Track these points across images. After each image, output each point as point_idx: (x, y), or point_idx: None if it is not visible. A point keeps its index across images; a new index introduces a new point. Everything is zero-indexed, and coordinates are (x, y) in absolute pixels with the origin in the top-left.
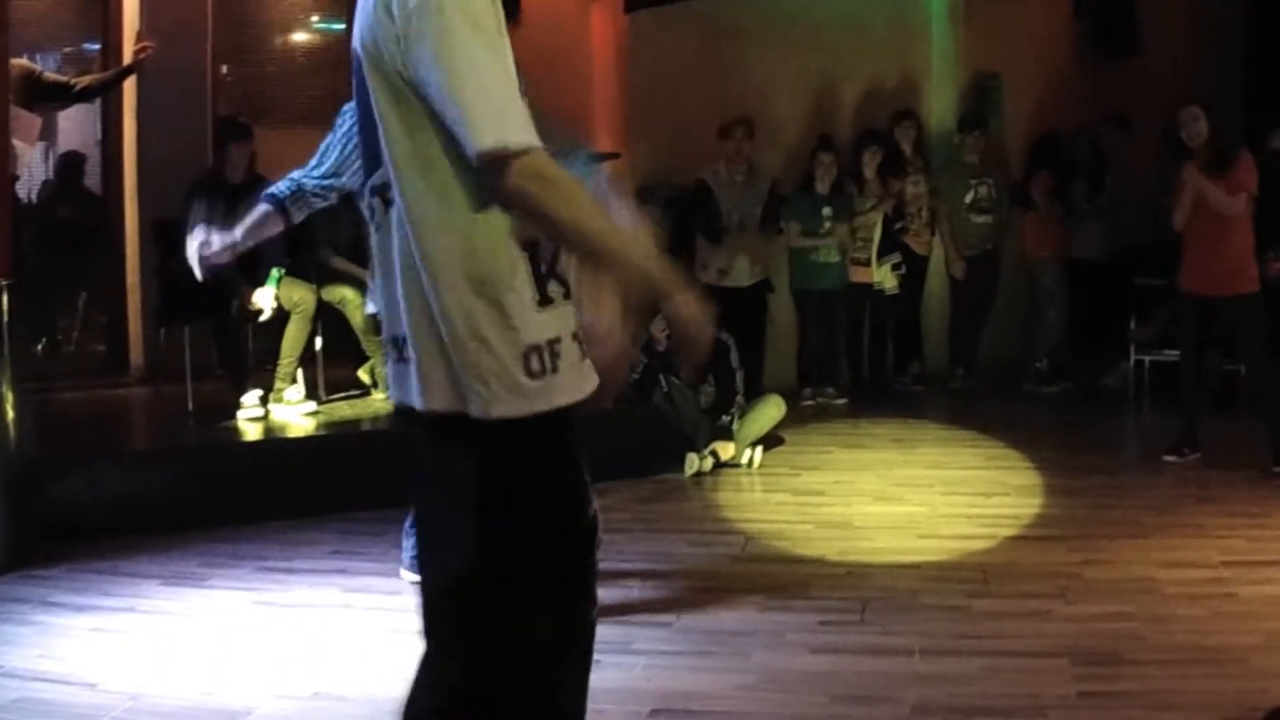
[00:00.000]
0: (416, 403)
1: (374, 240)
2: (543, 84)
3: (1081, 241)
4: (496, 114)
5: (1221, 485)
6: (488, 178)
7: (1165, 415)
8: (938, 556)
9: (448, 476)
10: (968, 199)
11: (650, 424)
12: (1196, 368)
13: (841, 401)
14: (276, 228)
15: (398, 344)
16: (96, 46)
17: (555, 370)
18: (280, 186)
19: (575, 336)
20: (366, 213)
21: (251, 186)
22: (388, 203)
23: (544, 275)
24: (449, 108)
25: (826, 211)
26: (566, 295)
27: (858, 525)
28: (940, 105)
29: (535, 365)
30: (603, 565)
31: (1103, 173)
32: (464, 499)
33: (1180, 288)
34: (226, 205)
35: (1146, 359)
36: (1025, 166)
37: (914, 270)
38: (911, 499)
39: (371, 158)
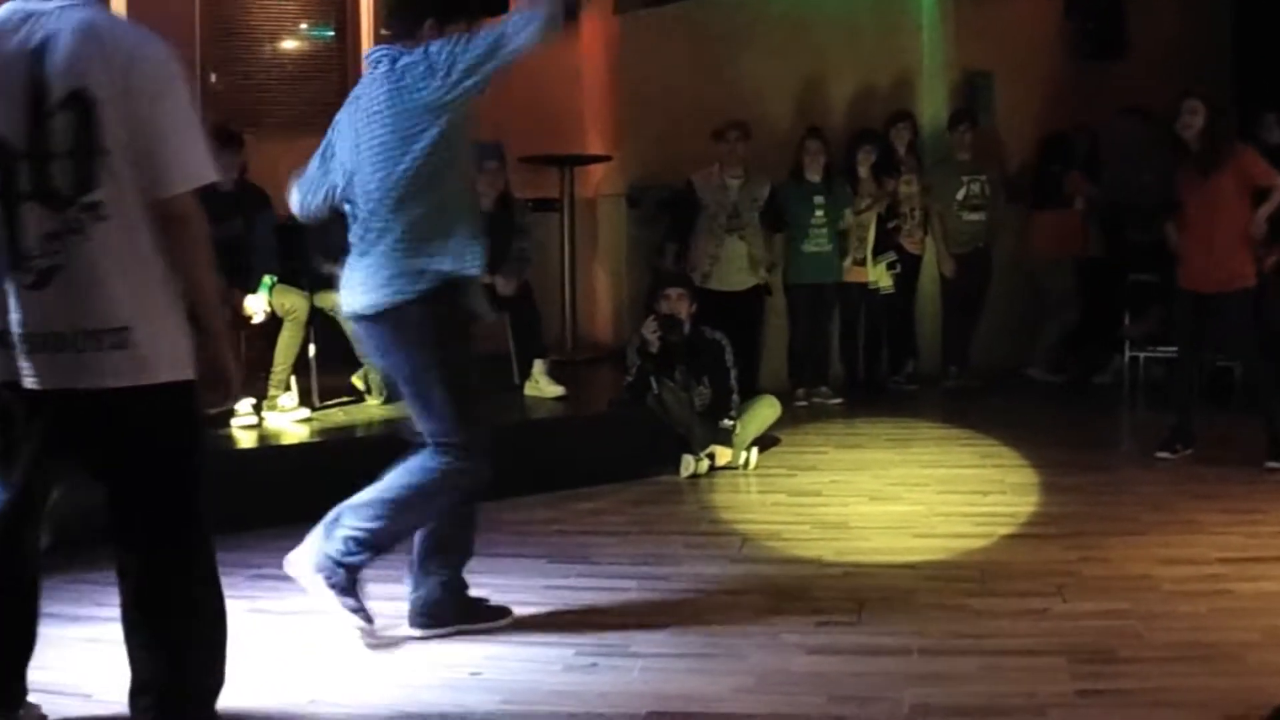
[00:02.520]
0: None
1: None
2: (534, 83)
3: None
4: None
5: (1218, 481)
6: None
7: (1160, 412)
8: (934, 556)
9: None
10: (959, 196)
11: (645, 426)
12: (1191, 364)
13: (836, 401)
14: None
15: None
16: None
17: None
18: None
19: None
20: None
21: (242, 195)
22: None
23: None
24: None
25: (818, 200)
26: None
27: (854, 525)
28: (932, 104)
29: None
30: (599, 568)
31: (1098, 169)
32: None
33: (1179, 284)
34: (217, 214)
35: (1141, 355)
36: (1036, 164)
37: (908, 269)
38: (908, 498)
39: None
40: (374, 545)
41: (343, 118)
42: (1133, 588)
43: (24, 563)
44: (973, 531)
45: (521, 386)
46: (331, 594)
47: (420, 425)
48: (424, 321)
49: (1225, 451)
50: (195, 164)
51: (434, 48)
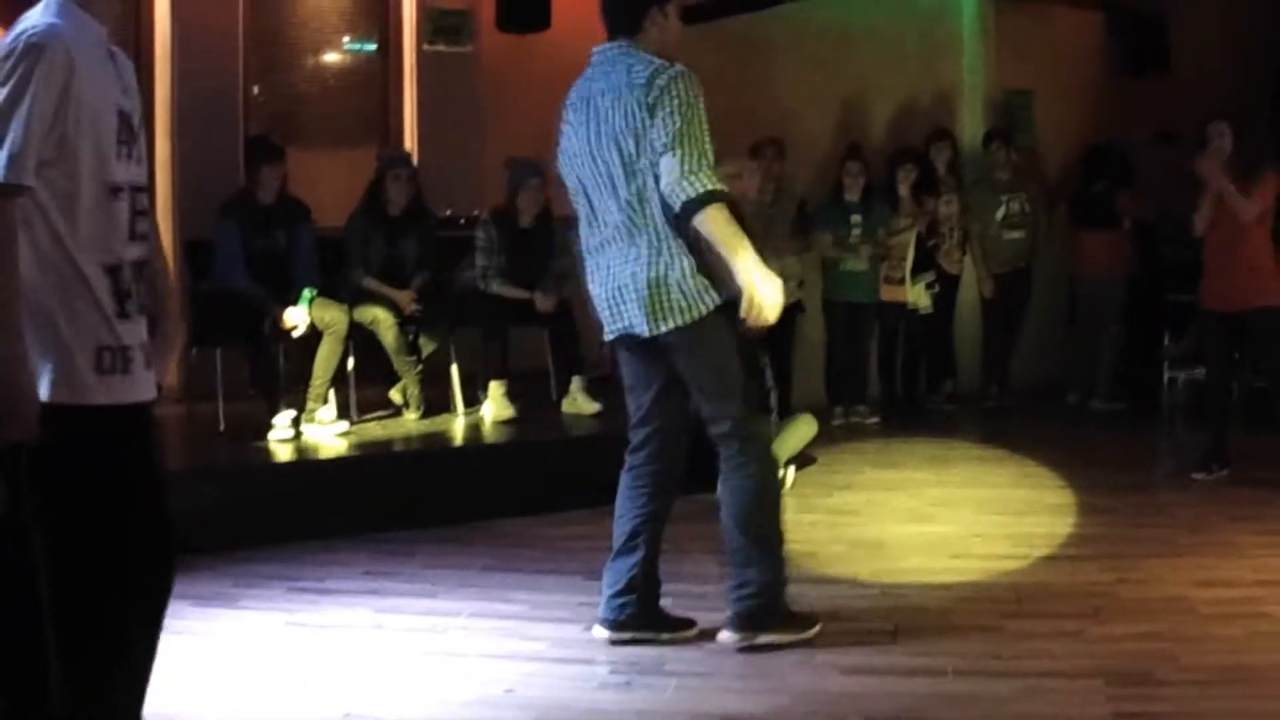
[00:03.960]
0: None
1: None
2: None
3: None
4: None
5: (1255, 503)
6: None
7: (1199, 432)
8: (970, 577)
9: None
10: (999, 215)
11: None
12: (1223, 384)
13: (874, 421)
14: None
15: None
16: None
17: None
18: None
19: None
20: None
21: (283, 207)
22: None
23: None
24: None
25: (855, 219)
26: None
27: (890, 545)
28: (972, 122)
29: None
30: None
31: (1133, 189)
32: None
33: (1201, 304)
34: (258, 227)
35: (1180, 376)
36: (1079, 181)
37: (946, 289)
38: (944, 518)
39: None
40: (767, 580)
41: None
42: (1169, 610)
43: None
44: (1009, 553)
45: (560, 403)
46: (790, 634)
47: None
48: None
49: (1263, 472)
50: None
51: (661, 81)
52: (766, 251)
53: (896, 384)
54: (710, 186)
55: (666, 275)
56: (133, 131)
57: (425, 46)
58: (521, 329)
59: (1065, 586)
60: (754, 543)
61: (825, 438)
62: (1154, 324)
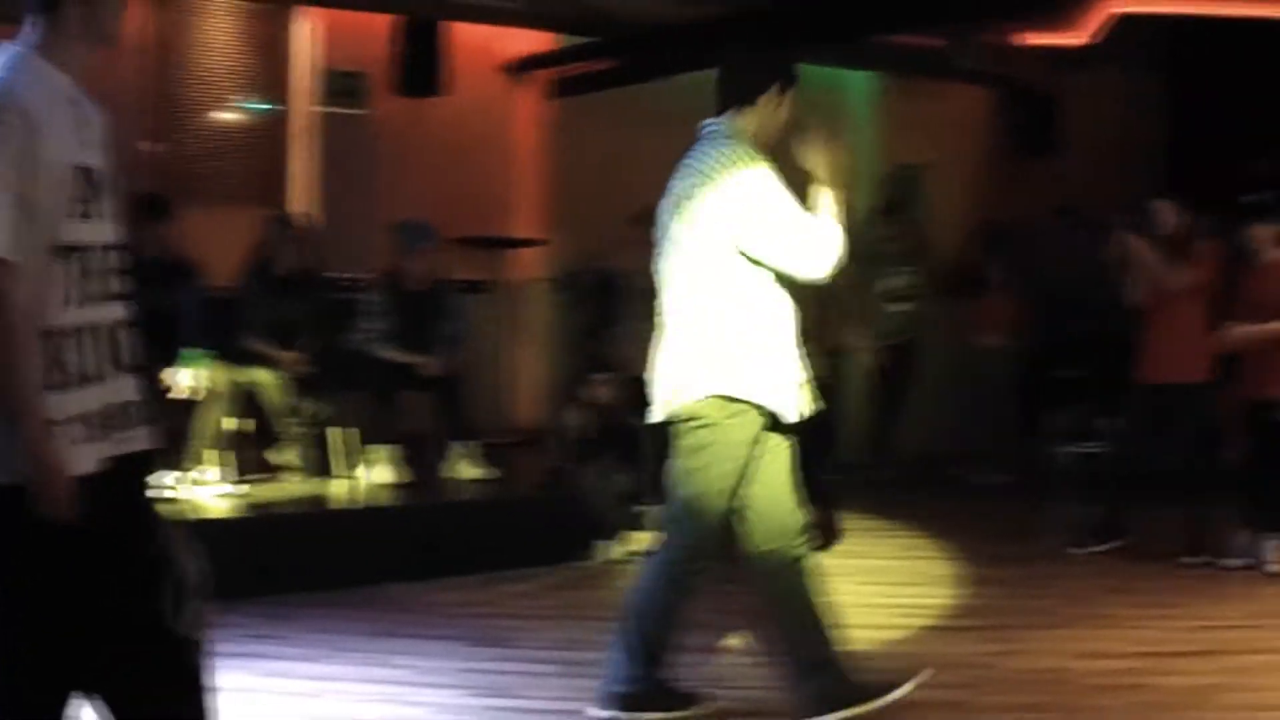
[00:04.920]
0: None
1: None
2: (466, 165)
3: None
4: None
5: (1137, 576)
6: None
7: (1083, 505)
8: (854, 647)
9: None
10: (887, 288)
11: (568, 510)
12: (1130, 456)
13: None
14: None
15: None
16: None
17: None
18: None
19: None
20: None
21: (169, 264)
22: None
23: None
24: None
25: None
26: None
27: None
28: (862, 196)
29: None
30: (522, 652)
31: (1031, 262)
32: None
33: (1137, 378)
34: (143, 284)
35: (1064, 449)
36: (965, 255)
37: (833, 360)
38: (830, 588)
39: None
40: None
41: None
42: (1050, 681)
43: None
44: (892, 623)
45: (446, 468)
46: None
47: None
48: None
49: (1145, 546)
50: None
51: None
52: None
53: None
54: None
55: None
56: (93, 187)
57: (321, 108)
58: (409, 393)
59: (947, 657)
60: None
61: None
62: (1040, 398)
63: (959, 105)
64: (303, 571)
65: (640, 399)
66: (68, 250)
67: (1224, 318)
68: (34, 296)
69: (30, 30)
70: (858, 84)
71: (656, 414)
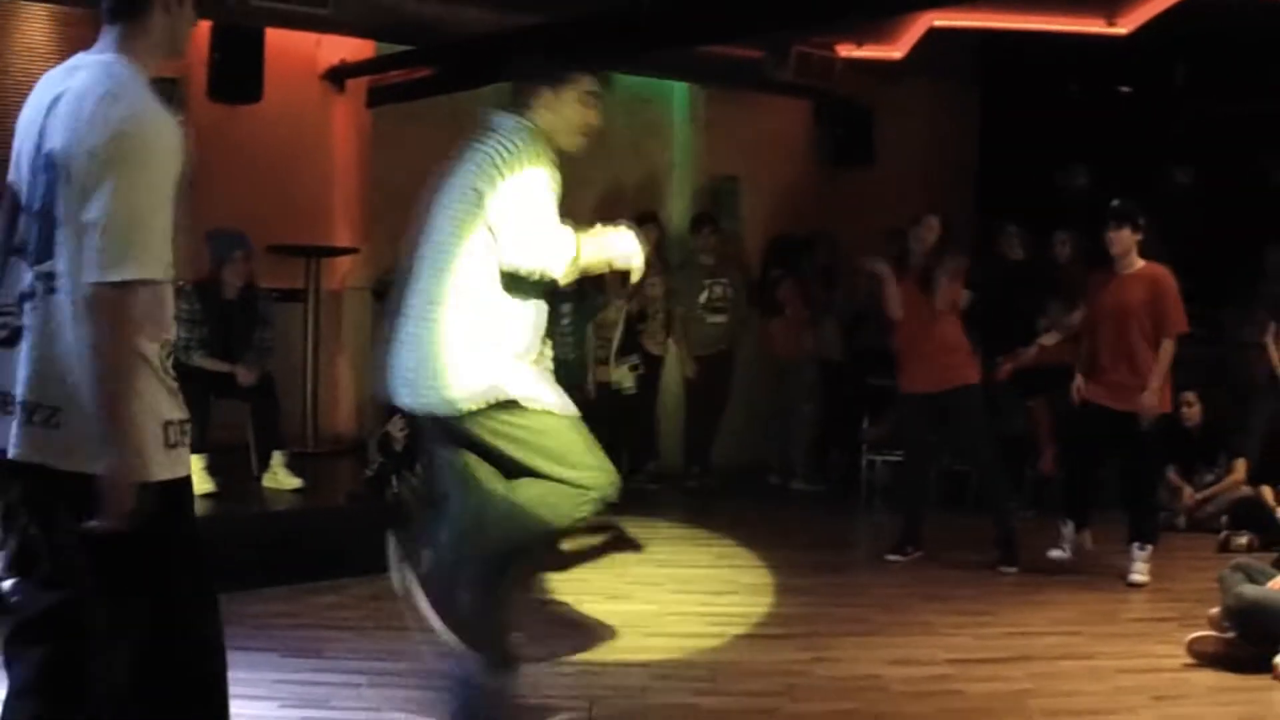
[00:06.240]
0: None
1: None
2: (283, 172)
3: (822, 342)
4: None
5: (949, 584)
6: None
7: (896, 514)
8: (667, 655)
9: None
10: (702, 299)
11: (383, 521)
12: (919, 466)
13: None
14: None
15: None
16: None
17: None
18: None
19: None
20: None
21: None
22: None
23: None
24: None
25: (565, 308)
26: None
27: (588, 623)
28: (679, 207)
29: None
30: (335, 663)
31: (837, 276)
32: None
33: (901, 389)
34: None
35: (878, 459)
36: (762, 269)
37: (650, 370)
38: (642, 597)
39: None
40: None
41: None
42: (862, 688)
43: None
44: (706, 631)
45: (260, 478)
46: None
47: None
48: None
49: (958, 553)
50: (113, 257)
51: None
52: None
53: None
54: None
55: None
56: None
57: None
58: (222, 402)
59: (761, 665)
60: None
61: None
62: (853, 407)
63: (777, 117)
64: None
65: None
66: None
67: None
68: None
69: (111, 37)
70: (678, 94)
71: (413, 406)
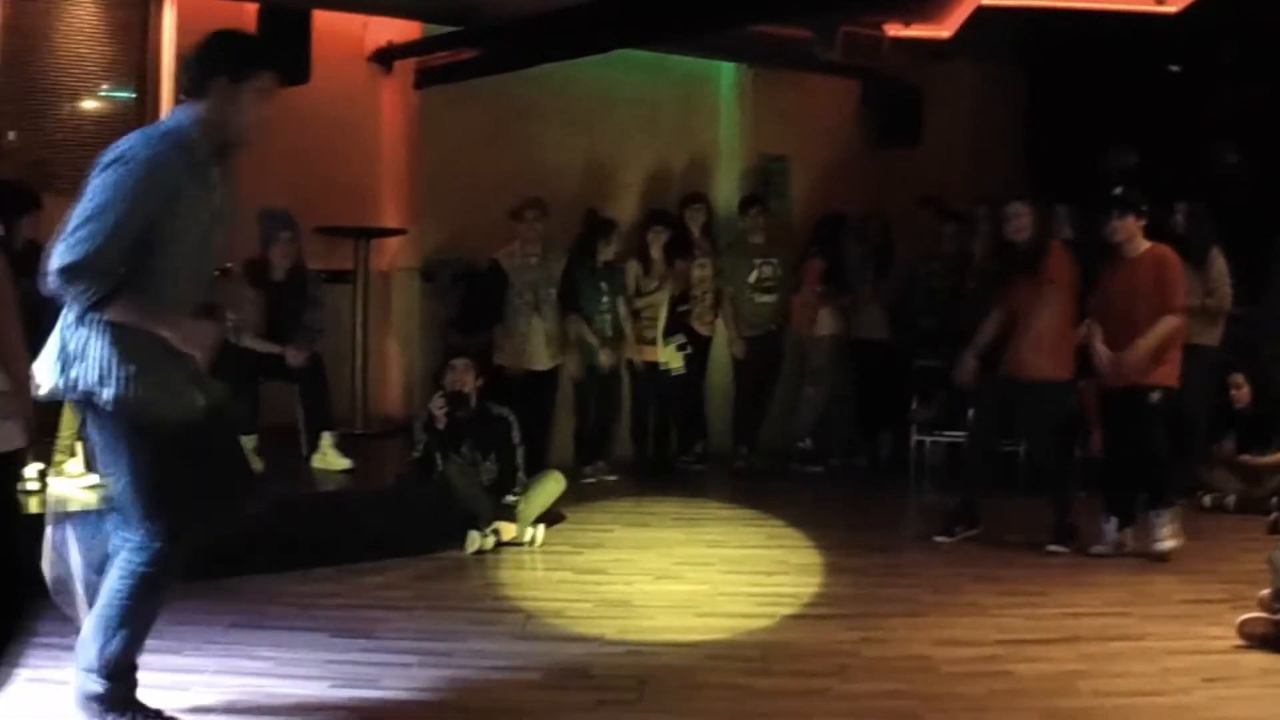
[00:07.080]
0: None
1: None
2: (331, 154)
3: (864, 323)
4: None
5: (998, 564)
6: None
7: (945, 494)
8: (717, 635)
9: None
10: (751, 279)
11: (431, 501)
12: (985, 446)
13: (613, 478)
14: None
15: None
16: None
17: None
18: None
19: None
20: None
21: (33, 255)
22: None
23: None
24: None
25: (604, 285)
26: None
27: (638, 604)
28: (727, 187)
29: None
30: (384, 643)
31: (890, 256)
32: None
33: (999, 369)
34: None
35: (927, 439)
36: (805, 247)
37: (698, 350)
38: (692, 577)
39: None
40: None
41: None
42: (912, 669)
43: None
44: (756, 611)
45: (309, 459)
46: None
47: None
48: None
49: (1008, 534)
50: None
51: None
52: (535, 313)
53: (648, 444)
54: None
55: None
56: None
57: (183, 96)
58: (272, 383)
59: (811, 645)
60: None
61: (576, 496)
62: (901, 388)
63: (825, 96)
64: None
65: (507, 388)
66: None
67: (1088, 313)
68: None
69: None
70: (726, 74)
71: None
